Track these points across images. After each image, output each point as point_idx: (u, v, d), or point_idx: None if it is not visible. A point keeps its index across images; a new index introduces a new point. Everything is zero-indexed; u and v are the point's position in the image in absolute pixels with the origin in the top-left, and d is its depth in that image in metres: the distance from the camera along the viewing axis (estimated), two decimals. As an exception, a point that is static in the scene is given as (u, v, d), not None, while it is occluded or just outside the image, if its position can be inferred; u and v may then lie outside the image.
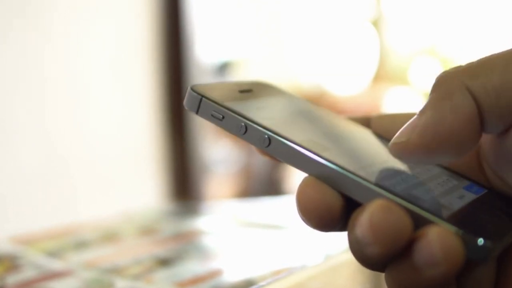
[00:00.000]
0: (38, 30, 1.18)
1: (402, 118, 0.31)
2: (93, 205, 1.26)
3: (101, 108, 1.31)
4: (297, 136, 0.27)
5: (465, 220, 0.24)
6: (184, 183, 1.47)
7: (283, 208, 0.56)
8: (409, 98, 2.46)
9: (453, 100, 0.24)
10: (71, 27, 1.24)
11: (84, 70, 1.27)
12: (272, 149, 0.26)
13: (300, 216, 0.25)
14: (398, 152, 0.25)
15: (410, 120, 0.25)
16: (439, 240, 0.22)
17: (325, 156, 0.25)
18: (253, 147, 0.28)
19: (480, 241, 0.22)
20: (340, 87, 2.53)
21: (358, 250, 0.24)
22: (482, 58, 0.25)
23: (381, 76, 2.71)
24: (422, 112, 0.24)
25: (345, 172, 0.25)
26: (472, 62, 0.25)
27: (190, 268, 0.40)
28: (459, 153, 0.24)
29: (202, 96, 0.28)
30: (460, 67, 0.25)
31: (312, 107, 0.33)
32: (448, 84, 0.24)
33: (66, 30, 1.23)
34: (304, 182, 0.25)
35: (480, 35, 2.54)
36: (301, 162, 0.26)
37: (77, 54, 1.26)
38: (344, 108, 2.20)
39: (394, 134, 0.31)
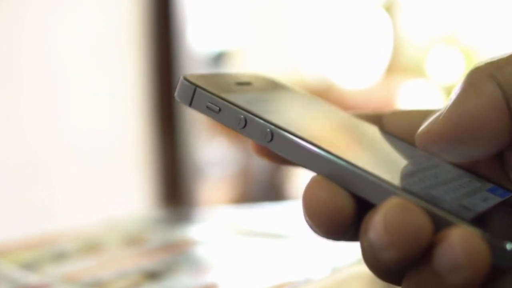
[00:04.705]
0: (12, 15, 1.18)
1: (420, 115, 0.31)
2: (74, 212, 1.26)
3: (83, 104, 1.31)
4: (303, 130, 0.26)
5: (490, 223, 0.24)
6: (175, 187, 1.48)
7: (286, 215, 0.56)
8: (426, 92, 2.46)
9: (477, 87, 0.25)
10: (50, 14, 1.24)
11: (65, 61, 1.27)
12: (275, 144, 0.26)
13: (307, 221, 0.25)
14: (423, 142, 0.27)
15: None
16: (462, 243, 0.22)
17: (336, 152, 0.25)
18: (250, 148, 0.28)
19: (509, 245, 0.22)
20: (349, 80, 2.53)
21: (371, 256, 0.24)
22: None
23: (395, 67, 2.71)
24: (448, 102, 0.26)
25: (358, 171, 0.25)
26: (504, 56, 0.27)
27: (182, 282, 0.40)
28: (488, 144, 0.25)
29: (196, 86, 0.28)
30: (490, 59, 0.27)
31: (317, 102, 0.33)
32: (474, 75, 0.26)
33: (44, 17, 1.23)
34: (312, 182, 0.25)
35: (504, 21, 2.54)
36: (308, 159, 0.26)
37: (57, 44, 1.26)
38: (354, 103, 2.20)
39: (412, 133, 0.31)
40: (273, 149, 0.26)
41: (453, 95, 0.26)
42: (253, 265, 0.43)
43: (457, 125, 0.25)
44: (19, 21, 1.19)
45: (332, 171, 0.25)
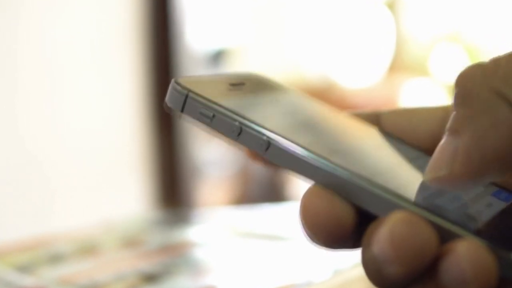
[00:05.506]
0: (7, 11, 1.18)
1: (419, 114, 0.31)
2: (70, 213, 1.26)
3: (80, 103, 1.31)
4: (300, 138, 0.26)
5: (496, 233, 0.24)
6: (173, 188, 1.47)
7: (286, 217, 0.56)
8: (429, 91, 2.46)
9: (492, 114, 0.24)
10: (47, 12, 1.24)
11: (61, 59, 1.27)
12: (271, 153, 0.26)
13: (306, 231, 0.25)
14: (442, 186, 0.24)
15: (444, 143, 0.24)
16: (469, 255, 0.22)
17: (335, 161, 0.25)
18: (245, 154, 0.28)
19: None
20: (350, 78, 2.53)
21: (375, 270, 0.24)
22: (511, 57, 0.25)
23: (398, 66, 2.71)
24: (455, 131, 0.24)
25: (359, 181, 0.24)
26: (499, 60, 0.25)
27: (180, 284, 0.40)
28: (506, 171, 0.24)
29: (189, 91, 0.27)
30: (483, 66, 0.25)
31: (313, 103, 0.33)
32: (481, 94, 0.24)
33: (40, 13, 1.23)
34: (310, 192, 0.25)
35: (508, 18, 2.54)
36: (306, 169, 0.25)
37: (54, 42, 1.25)
38: (356, 102, 2.20)
39: (412, 133, 0.31)
40: (270, 159, 0.26)
41: (463, 123, 0.24)
42: (253, 268, 0.43)
43: (480, 164, 0.24)
44: (15, 18, 1.19)
45: (332, 182, 0.25)
